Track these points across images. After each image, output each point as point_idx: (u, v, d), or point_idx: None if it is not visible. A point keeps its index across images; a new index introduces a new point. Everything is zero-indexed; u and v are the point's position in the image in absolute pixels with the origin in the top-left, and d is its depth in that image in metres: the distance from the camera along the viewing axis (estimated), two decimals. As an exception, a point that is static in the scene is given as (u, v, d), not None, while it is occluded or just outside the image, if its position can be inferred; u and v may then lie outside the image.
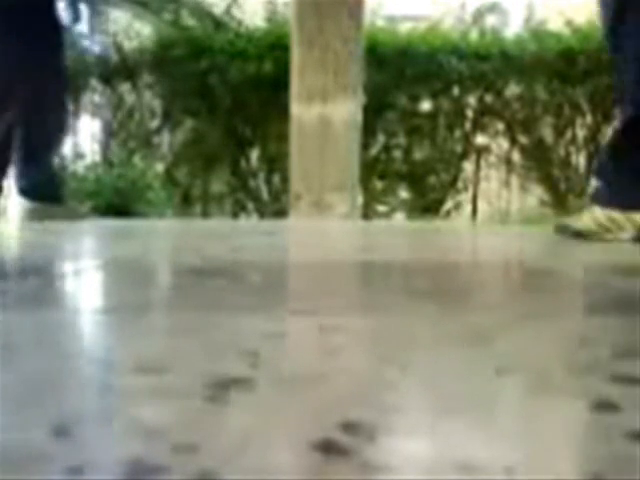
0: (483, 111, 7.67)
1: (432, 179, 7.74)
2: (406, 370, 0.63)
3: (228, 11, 7.48)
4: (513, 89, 7.63)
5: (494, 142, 7.79)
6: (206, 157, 7.38)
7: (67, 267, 1.76)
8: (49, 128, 3.77)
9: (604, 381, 0.59)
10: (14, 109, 3.60)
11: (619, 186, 3.02)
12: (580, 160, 7.60)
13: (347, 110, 5.94)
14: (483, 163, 7.81)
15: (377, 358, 0.68)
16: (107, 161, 7.74)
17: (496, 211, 7.85)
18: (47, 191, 3.89)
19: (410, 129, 7.62)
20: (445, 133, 7.68)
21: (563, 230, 3.21)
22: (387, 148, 7.72)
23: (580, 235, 3.05)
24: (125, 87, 7.72)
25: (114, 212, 6.44)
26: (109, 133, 7.82)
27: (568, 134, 7.59)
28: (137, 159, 7.66)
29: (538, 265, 1.95)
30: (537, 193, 7.76)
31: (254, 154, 7.53)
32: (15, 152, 3.74)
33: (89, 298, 1.23)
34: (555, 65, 7.38)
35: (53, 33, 3.73)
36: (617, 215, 3.07)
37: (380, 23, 8.01)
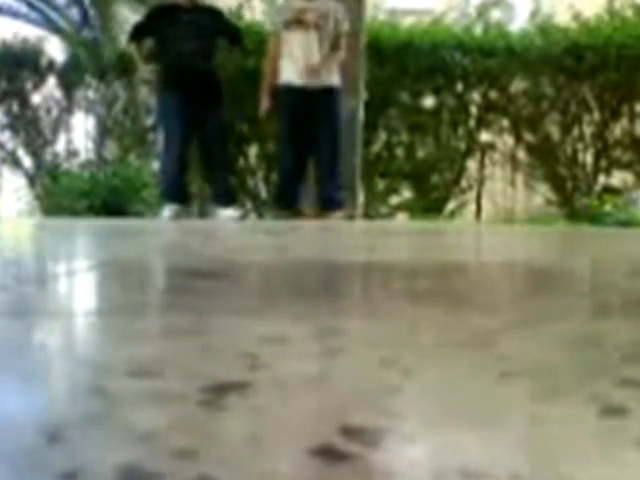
0: (487, 107, 7.59)
1: (435, 178, 7.67)
2: (408, 373, 0.62)
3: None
4: (518, 85, 7.54)
5: (499, 139, 7.71)
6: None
7: (61, 268, 1.75)
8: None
9: (613, 385, 0.58)
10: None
11: None
12: (587, 158, 7.50)
13: (348, 106, 5.84)
14: (487, 161, 7.73)
15: (379, 361, 0.67)
16: (101, 159, 7.66)
17: (501, 210, 7.77)
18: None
19: (413, 126, 7.53)
20: (448, 130, 7.60)
21: None
22: (389, 146, 7.63)
23: None
24: (120, 83, 7.62)
25: (109, 211, 6.36)
26: (103, 130, 7.74)
27: (575, 131, 7.50)
28: (132, 157, 7.59)
29: (544, 265, 1.93)
30: (543, 192, 7.67)
31: (252, 151, 7.45)
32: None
33: (83, 300, 1.21)
34: (562, 60, 7.30)
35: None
36: None
37: (382, 17, 7.93)
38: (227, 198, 5.81)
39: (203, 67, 5.60)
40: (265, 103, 5.59)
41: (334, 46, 5.49)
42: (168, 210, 5.63)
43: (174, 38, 5.53)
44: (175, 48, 5.53)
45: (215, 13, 5.85)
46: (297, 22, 5.45)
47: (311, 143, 5.53)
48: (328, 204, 5.49)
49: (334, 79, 5.51)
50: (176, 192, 5.69)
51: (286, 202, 5.61)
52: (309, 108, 5.43)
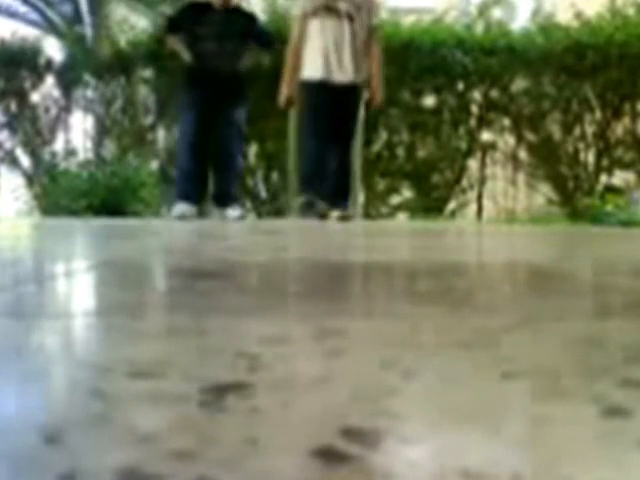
0: (488, 107, 7.58)
1: (436, 177, 7.64)
2: (409, 374, 0.62)
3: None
4: (519, 84, 7.51)
5: (500, 139, 7.68)
6: (202, 154, 7.23)
7: (59, 268, 1.75)
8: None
9: (615, 386, 0.58)
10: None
11: None
12: (589, 157, 7.47)
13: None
14: (489, 160, 7.70)
15: (379, 362, 0.66)
16: (100, 158, 7.63)
17: (502, 210, 7.74)
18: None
19: (413, 125, 7.50)
20: (449, 129, 7.58)
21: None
22: (390, 145, 7.60)
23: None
24: (119, 82, 7.59)
25: (107, 211, 6.33)
26: (102, 130, 7.70)
27: (576, 130, 7.47)
28: (131, 156, 7.55)
29: (546, 266, 1.93)
30: (544, 191, 7.64)
31: (252, 151, 7.42)
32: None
33: (82, 301, 1.21)
34: (563, 59, 7.28)
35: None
36: None
37: (383, 16, 7.88)
38: (227, 199, 5.81)
39: (227, 68, 5.60)
40: (286, 91, 5.33)
41: (368, 42, 5.25)
42: (178, 209, 5.59)
43: (202, 37, 5.57)
44: (201, 47, 5.57)
45: (247, 17, 5.90)
46: (327, 9, 5.19)
47: (334, 138, 5.29)
48: (336, 202, 5.30)
49: (361, 76, 5.33)
50: (190, 191, 5.66)
51: (312, 191, 5.23)
52: (334, 103, 5.18)
